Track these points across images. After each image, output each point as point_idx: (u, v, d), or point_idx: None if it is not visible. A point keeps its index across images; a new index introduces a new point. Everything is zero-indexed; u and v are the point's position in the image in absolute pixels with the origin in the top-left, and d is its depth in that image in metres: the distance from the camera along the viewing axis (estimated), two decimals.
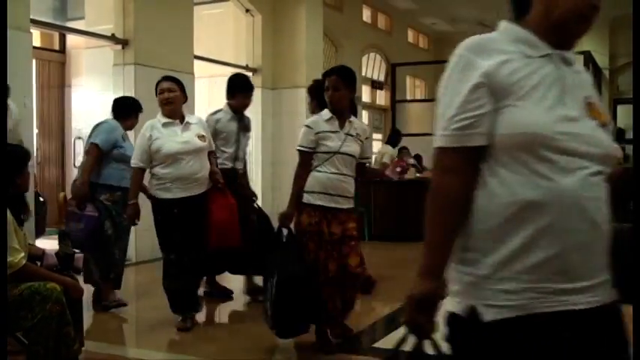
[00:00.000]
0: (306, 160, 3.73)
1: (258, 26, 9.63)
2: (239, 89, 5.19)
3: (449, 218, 1.44)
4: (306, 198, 3.69)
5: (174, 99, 4.32)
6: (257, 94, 9.50)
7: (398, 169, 3.61)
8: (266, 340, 4.05)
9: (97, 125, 4.99)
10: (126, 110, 5.12)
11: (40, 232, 5.86)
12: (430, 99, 15.20)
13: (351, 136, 3.75)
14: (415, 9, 14.14)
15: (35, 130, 7.02)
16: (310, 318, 3.78)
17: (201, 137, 4.34)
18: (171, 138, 4.25)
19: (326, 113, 3.76)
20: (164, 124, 4.30)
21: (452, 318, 1.48)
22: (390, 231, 8.82)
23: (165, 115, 4.32)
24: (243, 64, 9.60)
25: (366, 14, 13.45)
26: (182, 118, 4.37)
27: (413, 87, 15.94)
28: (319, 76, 10.64)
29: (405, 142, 12.09)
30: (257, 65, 9.63)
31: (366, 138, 3.91)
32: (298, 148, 3.74)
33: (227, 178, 4.97)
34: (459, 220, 1.44)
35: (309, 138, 3.70)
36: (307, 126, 3.75)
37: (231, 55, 9.62)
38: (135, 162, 4.31)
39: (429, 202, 1.46)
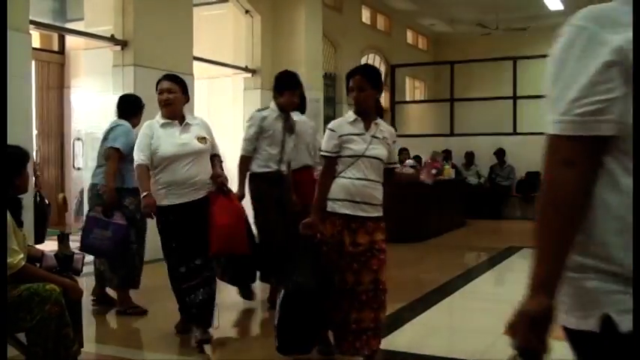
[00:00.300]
0: (330, 166, 3.48)
1: (258, 27, 9.63)
2: (286, 86, 4.91)
3: (568, 220, 1.25)
4: (330, 206, 3.45)
5: (173, 100, 4.09)
6: (256, 95, 9.53)
7: (433, 172, 3.41)
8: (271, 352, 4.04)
9: (112, 129, 4.88)
10: (132, 108, 5.06)
11: (40, 238, 5.80)
12: (429, 100, 15.23)
13: (377, 138, 3.50)
14: (414, 10, 14.15)
15: (34, 131, 7.01)
16: (314, 338, 3.54)
17: (201, 139, 4.08)
18: (168, 140, 4.02)
19: (350, 115, 3.54)
20: (162, 125, 4.08)
21: (577, 336, 1.31)
22: (388, 232, 8.80)
23: (165, 116, 4.10)
24: (243, 65, 9.60)
25: (365, 15, 13.46)
26: (182, 119, 4.13)
27: (412, 88, 15.94)
28: (318, 77, 10.74)
29: (404, 142, 12.10)
30: (256, 66, 9.63)
31: (394, 141, 3.66)
32: (322, 153, 3.52)
33: (270, 181, 4.79)
34: (578, 223, 1.24)
35: (332, 142, 3.46)
36: (330, 129, 3.51)
37: (230, 56, 9.62)
38: (138, 158, 4.05)
39: (543, 200, 1.28)
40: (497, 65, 13.78)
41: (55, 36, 9.79)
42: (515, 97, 12.92)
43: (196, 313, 4.10)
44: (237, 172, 4.93)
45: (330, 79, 11.81)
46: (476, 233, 10.74)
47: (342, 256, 3.42)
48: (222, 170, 4.27)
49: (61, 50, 10.04)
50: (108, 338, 4.58)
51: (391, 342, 4.07)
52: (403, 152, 11.38)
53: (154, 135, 4.04)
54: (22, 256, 3.03)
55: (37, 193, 6.26)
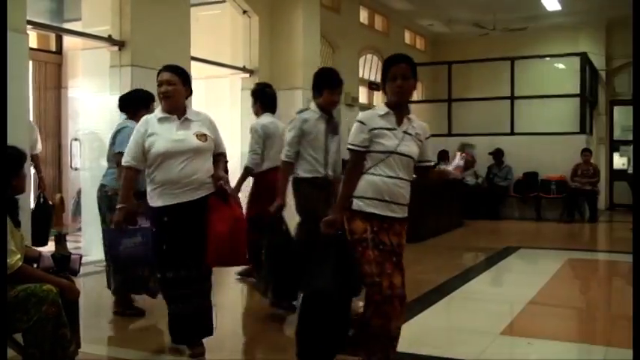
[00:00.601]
0: (358, 161, 3.24)
1: (255, 27, 9.63)
2: (326, 85, 4.63)
3: None
4: (357, 204, 3.21)
5: (173, 92, 3.78)
6: None
7: (461, 163, 3.29)
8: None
9: (118, 131, 4.78)
10: (133, 104, 4.94)
11: (43, 239, 5.74)
12: (427, 100, 15.22)
13: (410, 134, 3.27)
14: (412, 10, 14.15)
15: (37, 133, 7.00)
16: (336, 346, 3.29)
17: (200, 136, 3.78)
18: (164, 135, 3.73)
19: (382, 108, 3.29)
20: (160, 120, 3.79)
21: None
22: None
23: (164, 110, 3.82)
24: (240, 66, 9.60)
25: (363, 15, 13.45)
26: (182, 114, 3.83)
27: None
28: None
29: None
30: (254, 67, 9.63)
31: (426, 138, 3.42)
32: (349, 146, 3.26)
33: (319, 187, 4.58)
34: None
35: (362, 136, 3.22)
36: (360, 121, 3.25)
37: (228, 56, 9.62)
38: (126, 160, 3.79)
39: None
40: (495, 66, 13.79)
41: (53, 36, 9.78)
42: (512, 98, 12.92)
43: (182, 329, 3.82)
44: (280, 179, 4.71)
45: None
46: (473, 233, 10.75)
47: (387, 256, 3.19)
48: (225, 171, 4.02)
49: (59, 50, 10.03)
50: (105, 339, 4.57)
51: None
52: None
53: (150, 130, 3.76)
54: (19, 256, 3.03)
55: (41, 194, 6.27)
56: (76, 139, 8.98)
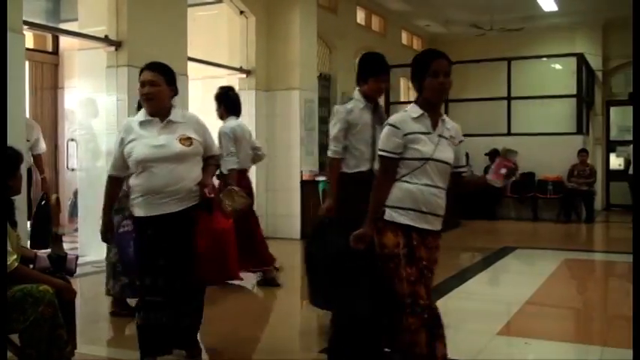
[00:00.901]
0: (391, 169, 2.98)
1: (252, 28, 9.62)
2: (371, 71, 4.16)
3: None
4: (389, 214, 2.95)
5: (156, 94, 3.48)
6: (251, 96, 9.52)
7: (503, 171, 2.84)
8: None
9: None
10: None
11: (44, 241, 5.69)
12: None
13: (445, 138, 3.01)
14: (409, 11, 14.16)
15: (40, 134, 6.99)
16: None
17: (184, 140, 3.46)
18: (144, 141, 3.44)
19: (415, 110, 3.01)
20: (141, 123, 3.50)
21: None
22: None
23: (148, 112, 3.52)
24: (237, 66, 9.59)
25: (360, 16, 13.45)
26: (166, 116, 3.51)
27: (407, 89, 15.94)
28: (313, 78, 10.73)
29: None
30: (251, 67, 9.62)
31: (460, 141, 3.15)
32: (381, 153, 3.00)
33: (361, 183, 3.74)
34: None
35: (395, 141, 2.96)
36: (392, 125, 2.98)
37: (225, 56, 9.61)
38: (109, 169, 3.63)
39: None
40: (492, 66, 13.81)
41: (49, 36, 9.76)
42: (509, 98, 12.94)
43: (149, 339, 3.52)
44: (329, 178, 4.37)
45: (324, 80, 11.80)
46: (470, 234, 10.76)
47: (421, 273, 2.92)
48: (219, 176, 3.85)
49: (55, 51, 10.01)
50: (101, 339, 4.56)
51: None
52: None
53: (131, 135, 3.49)
54: (15, 257, 3.02)
55: (44, 195, 6.26)
56: (72, 140, 8.97)
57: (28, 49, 7.18)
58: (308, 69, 9.93)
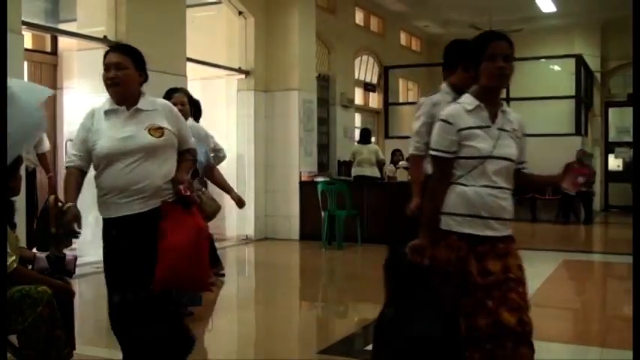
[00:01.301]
0: (446, 170, 2.62)
1: (251, 28, 9.62)
2: (461, 60, 3.60)
3: None
4: (446, 223, 2.60)
5: (122, 78, 3.05)
6: (250, 97, 9.53)
7: (580, 180, 2.68)
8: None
9: None
10: None
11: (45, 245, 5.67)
12: None
13: (506, 131, 2.64)
14: (408, 12, 14.17)
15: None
16: None
17: (154, 130, 3.01)
18: (108, 133, 3.02)
19: (469, 101, 2.65)
20: (106, 113, 3.08)
21: None
22: (383, 233, 8.81)
23: (114, 101, 3.09)
24: (236, 67, 9.59)
25: (359, 17, 13.46)
26: (133, 104, 3.07)
27: (405, 89, 15.95)
28: (312, 78, 10.74)
29: (397, 144, 12.10)
30: (250, 68, 9.62)
31: (523, 134, 2.79)
32: (434, 153, 2.65)
33: None
34: None
35: (448, 138, 2.60)
36: (444, 121, 2.63)
37: (224, 57, 9.61)
38: (69, 159, 3.10)
39: None
40: None
41: (48, 37, 9.74)
42: (508, 99, 12.92)
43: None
44: (413, 176, 3.90)
45: (323, 81, 11.81)
46: None
47: (468, 291, 2.54)
48: (189, 172, 3.25)
49: (54, 51, 9.99)
50: (100, 340, 4.55)
51: None
52: (396, 154, 11.42)
53: (94, 127, 3.07)
54: (14, 258, 3.02)
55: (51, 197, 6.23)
56: (70, 140, 8.95)
57: (26, 50, 7.18)
58: (307, 69, 9.93)
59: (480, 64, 2.60)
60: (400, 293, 2.70)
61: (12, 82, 3.15)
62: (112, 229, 3.02)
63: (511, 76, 2.64)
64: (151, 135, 2.99)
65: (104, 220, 3.06)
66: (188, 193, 3.00)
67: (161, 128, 3.03)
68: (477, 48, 2.63)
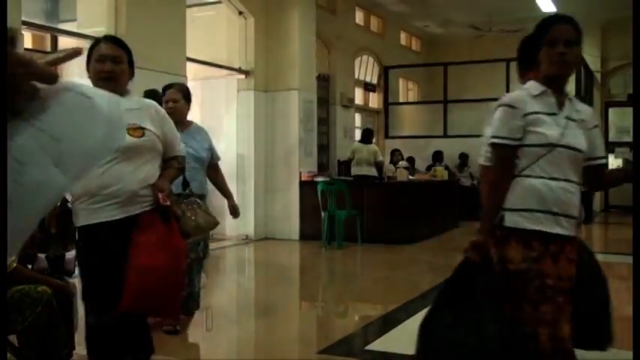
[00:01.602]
0: (508, 159, 2.37)
1: (251, 28, 9.62)
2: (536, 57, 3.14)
3: None
4: (512, 220, 2.33)
5: (118, 74, 2.88)
6: (250, 97, 9.53)
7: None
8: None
9: None
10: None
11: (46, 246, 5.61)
12: (423, 101, 15.23)
13: (574, 121, 2.39)
14: (408, 12, 14.17)
15: None
16: None
17: (134, 130, 2.72)
18: None
19: (535, 86, 2.41)
20: None
21: None
22: (382, 233, 8.81)
23: None
24: (236, 67, 9.59)
25: (359, 17, 13.46)
26: None
27: (405, 89, 15.96)
28: (312, 78, 10.74)
29: (397, 144, 12.11)
30: (250, 68, 9.62)
31: (595, 126, 2.51)
32: (495, 141, 2.39)
33: None
34: None
35: (513, 122, 2.36)
36: (508, 105, 2.40)
37: (224, 57, 9.61)
38: None
39: None
40: (491, 67, 13.81)
41: (48, 37, 9.74)
42: None
43: None
44: (482, 196, 3.31)
45: (323, 81, 11.81)
46: (469, 235, 10.64)
47: (546, 296, 2.28)
48: (172, 181, 2.93)
49: (54, 51, 10.00)
50: None
51: (385, 343, 4.08)
52: (396, 153, 11.43)
53: None
54: (13, 257, 3.02)
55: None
56: None
57: (26, 50, 7.17)
58: (307, 69, 9.93)
59: (539, 49, 2.39)
60: (453, 296, 2.48)
61: (91, 91, 3.09)
62: (80, 240, 2.79)
63: (576, 63, 2.47)
64: (129, 135, 2.68)
65: (77, 229, 2.79)
66: (167, 203, 2.74)
67: (142, 128, 2.75)
68: (537, 32, 2.42)
